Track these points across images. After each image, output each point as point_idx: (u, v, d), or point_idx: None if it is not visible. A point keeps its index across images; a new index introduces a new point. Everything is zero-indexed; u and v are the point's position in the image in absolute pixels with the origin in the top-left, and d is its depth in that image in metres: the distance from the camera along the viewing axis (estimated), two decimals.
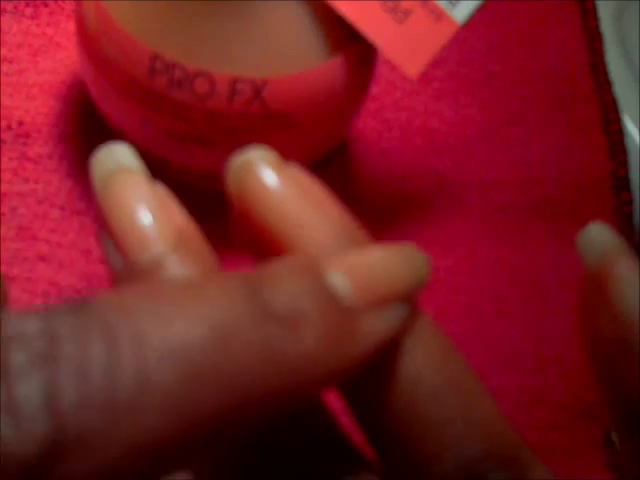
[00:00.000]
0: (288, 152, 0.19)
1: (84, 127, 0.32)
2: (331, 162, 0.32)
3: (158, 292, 0.12)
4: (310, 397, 0.14)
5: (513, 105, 0.36)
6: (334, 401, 0.15)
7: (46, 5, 0.35)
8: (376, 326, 0.14)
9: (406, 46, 0.25)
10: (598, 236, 0.17)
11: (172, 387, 0.11)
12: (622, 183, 0.34)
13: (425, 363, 0.15)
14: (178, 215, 0.15)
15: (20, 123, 0.32)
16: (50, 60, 0.33)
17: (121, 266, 0.14)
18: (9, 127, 0.31)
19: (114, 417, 0.11)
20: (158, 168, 0.29)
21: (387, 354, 0.14)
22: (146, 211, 0.14)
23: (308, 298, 0.13)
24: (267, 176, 0.15)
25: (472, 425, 0.14)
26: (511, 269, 0.31)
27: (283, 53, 0.25)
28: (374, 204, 0.32)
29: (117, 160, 0.15)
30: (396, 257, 0.14)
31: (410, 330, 0.15)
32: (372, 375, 0.14)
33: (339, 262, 0.14)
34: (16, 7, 0.34)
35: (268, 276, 0.13)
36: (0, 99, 0.32)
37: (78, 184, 0.30)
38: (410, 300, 0.15)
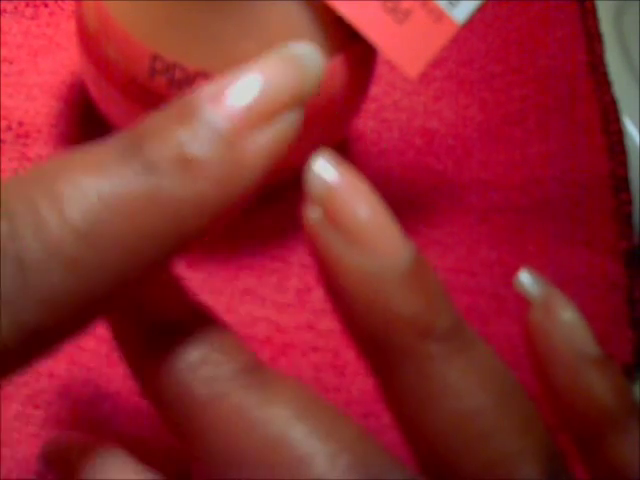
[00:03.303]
0: (288, 152, 0.19)
1: (84, 127, 0.32)
2: None
3: (49, 172, 0.14)
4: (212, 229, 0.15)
5: (513, 105, 0.36)
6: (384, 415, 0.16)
7: (46, 6, 0.35)
8: (263, 143, 0.14)
9: (406, 46, 0.25)
10: (532, 279, 0.23)
11: (74, 251, 0.13)
12: (622, 183, 0.34)
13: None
14: None
15: (20, 123, 0.32)
16: (50, 60, 0.33)
17: None
18: (9, 127, 0.31)
19: (25, 278, 0.13)
20: None
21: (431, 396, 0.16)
22: None
23: (190, 142, 0.14)
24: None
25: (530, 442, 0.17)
26: (511, 269, 0.31)
27: None
28: None
29: None
30: (277, 66, 0.15)
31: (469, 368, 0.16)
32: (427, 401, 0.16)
33: (214, 94, 0.14)
34: (16, 7, 0.34)
35: (147, 130, 0.14)
36: (0, 99, 0.32)
37: None
38: (300, 104, 0.15)
